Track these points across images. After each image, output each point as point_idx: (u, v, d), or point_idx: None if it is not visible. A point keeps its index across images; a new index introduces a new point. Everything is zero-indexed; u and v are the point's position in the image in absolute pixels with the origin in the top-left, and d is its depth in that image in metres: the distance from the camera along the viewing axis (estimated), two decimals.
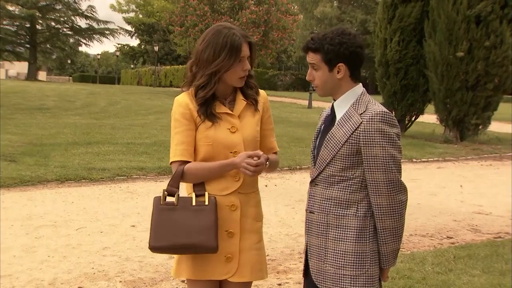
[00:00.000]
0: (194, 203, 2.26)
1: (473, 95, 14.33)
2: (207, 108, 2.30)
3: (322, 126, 2.29)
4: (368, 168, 2.11)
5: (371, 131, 2.08)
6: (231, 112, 2.33)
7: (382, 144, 2.08)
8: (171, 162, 2.32)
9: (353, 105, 2.15)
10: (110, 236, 5.45)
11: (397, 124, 2.14)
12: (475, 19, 13.85)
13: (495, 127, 17.27)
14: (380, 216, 2.12)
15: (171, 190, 2.28)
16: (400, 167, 2.14)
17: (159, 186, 7.99)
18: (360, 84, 2.21)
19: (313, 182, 2.25)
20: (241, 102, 2.37)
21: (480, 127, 15.33)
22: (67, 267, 4.52)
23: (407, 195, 2.15)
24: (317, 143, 2.27)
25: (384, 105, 12.33)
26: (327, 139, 2.18)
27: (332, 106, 2.24)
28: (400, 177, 2.13)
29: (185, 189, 2.38)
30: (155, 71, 54.19)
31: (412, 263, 4.68)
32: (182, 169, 2.27)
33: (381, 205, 2.10)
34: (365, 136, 2.08)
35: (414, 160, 11.89)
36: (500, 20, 13.82)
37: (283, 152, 10.99)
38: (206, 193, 2.28)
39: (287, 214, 6.57)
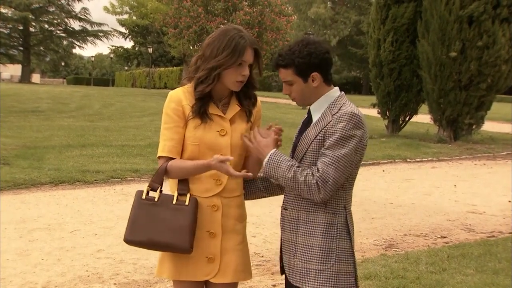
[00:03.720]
0: (174, 202, 2.28)
1: (466, 95, 14.39)
2: (202, 106, 2.30)
3: (299, 129, 2.36)
4: (320, 157, 2.15)
5: (334, 127, 2.14)
6: (223, 115, 2.33)
7: (340, 140, 2.12)
8: (158, 157, 2.34)
9: (329, 107, 2.23)
10: (104, 238, 5.44)
11: (364, 127, 2.18)
12: (468, 19, 13.90)
13: (489, 126, 17.34)
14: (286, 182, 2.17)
15: (154, 186, 2.31)
16: (348, 170, 2.15)
17: None
18: (336, 88, 2.28)
19: None
20: (235, 107, 2.37)
21: (474, 126, 15.39)
22: (61, 270, 4.51)
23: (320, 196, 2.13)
24: (294, 143, 2.34)
25: (378, 105, 12.36)
26: (302, 138, 2.27)
27: (309, 110, 2.32)
28: (339, 177, 2.12)
29: (169, 186, 2.39)
30: (149, 73, 54.13)
31: (406, 263, 4.69)
32: (165, 166, 2.30)
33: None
34: (329, 131, 2.15)
35: (408, 160, 11.93)
36: (492, 20, 13.88)
37: None
38: (189, 193, 2.29)
39: None
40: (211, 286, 2.37)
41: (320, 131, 2.18)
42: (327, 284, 2.16)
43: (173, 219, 2.24)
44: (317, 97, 2.26)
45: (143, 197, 2.30)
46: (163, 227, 2.23)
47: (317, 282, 2.17)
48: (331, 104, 2.23)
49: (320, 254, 2.18)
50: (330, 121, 2.17)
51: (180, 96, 2.34)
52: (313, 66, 2.20)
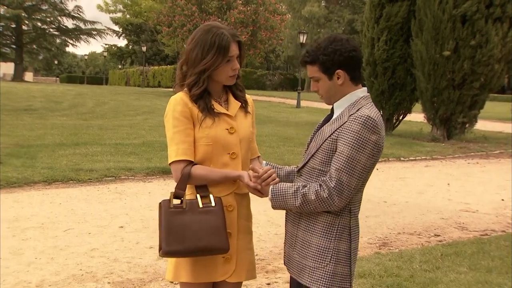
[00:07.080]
0: (201, 205, 2.25)
1: (459, 93, 14.45)
2: (206, 104, 2.30)
3: (318, 125, 2.35)
4: (334, 162, 2.12)
5: (349, 130, 2.11)
6: (228, 113, 2.34)
7: (354, 145, 2.08)
8: (172, 162, 2.28)
9: (349, 106, 2.19)
10: (98, 237, 5.42)
11: (380, 132, 2.11)
12: (461, 19, 13.96)
13: (482, 125, 17.41)
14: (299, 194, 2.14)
15: (179, 193, 2.26)
16: (363, 175, 2.13)
17: (148, 187, 7.96)
18: (364, 88, 2.25)
19: (298, 172, 2.32)
20: (235, 103, 2.38)
21: (467, 125, 15.45)
22: (54, 269, 4.49)
23: (332, 206, 2.12)
24: (311, 138, 2.33)
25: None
26: (318, 134, 2.26)
27: (332, 106, 2.29)
28: (354, 183, 2.11)
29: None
30: (143, 71, 53.98)
31: (400, 261, 4.71)
32: (188, 171, 2.25)
33: (311, 197, 2.12)
34: (343, 133, 2.12)
35: (402, 158, 11.96)
36: (485, 19, 13.93)
37: (271, 152, 11.02)
38: (211, 194, 2.28)
39: (276, 214, 6.51)
40: (220, 286, 2.37)
41: (335, 130, 2.15)
42: (320, 283, 2.16)
43: (205, 222, 2.21)
44: (342, 95, 2.22)
45: (170, 206, 2.25)
46: (198, 232, 2.20)
47: (311, 279, 2.18)
48: (352, 104, 2.19)
49: (317, 252, 2.18)
50: (346, 121, 2.13)
51: (185, 99, 2.30)
52: (338, 64, 2.17)
